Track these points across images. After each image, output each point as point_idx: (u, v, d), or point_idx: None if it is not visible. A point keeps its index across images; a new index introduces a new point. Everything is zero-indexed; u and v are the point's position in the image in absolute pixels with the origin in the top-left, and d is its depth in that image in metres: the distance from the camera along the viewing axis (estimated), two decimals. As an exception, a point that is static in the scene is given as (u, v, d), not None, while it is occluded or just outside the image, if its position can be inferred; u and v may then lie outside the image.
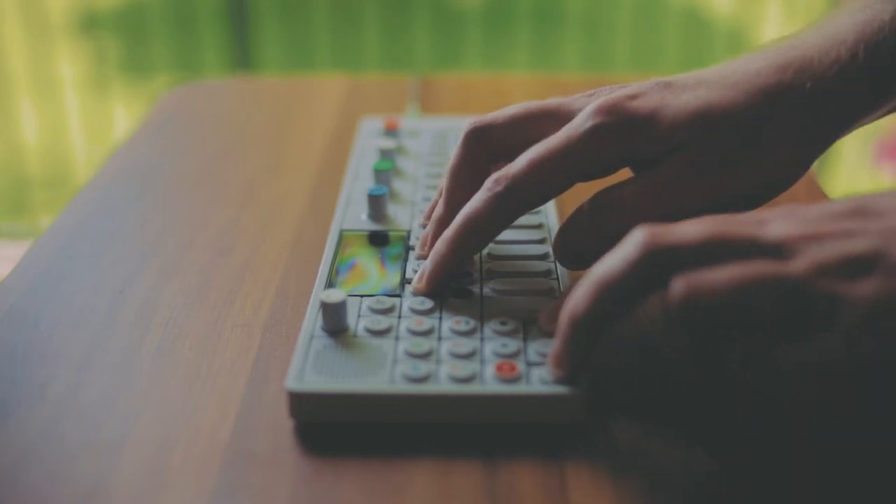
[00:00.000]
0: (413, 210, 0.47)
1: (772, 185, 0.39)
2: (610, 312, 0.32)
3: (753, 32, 2.25)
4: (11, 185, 2.05)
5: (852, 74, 0.38)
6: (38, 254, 0.47)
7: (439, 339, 0.36)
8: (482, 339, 0.36)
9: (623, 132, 0.37)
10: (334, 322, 0.37)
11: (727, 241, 0.30)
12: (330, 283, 0.40)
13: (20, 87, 2.06)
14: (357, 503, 0.31)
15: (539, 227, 0.45)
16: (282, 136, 0.63)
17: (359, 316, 0.38)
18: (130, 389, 0.37)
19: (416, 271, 0.41)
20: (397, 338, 0.37)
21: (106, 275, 0.45)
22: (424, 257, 0.41)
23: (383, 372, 0.35)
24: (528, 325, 0.37)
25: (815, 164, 0.40)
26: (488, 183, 0.38)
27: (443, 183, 0.42)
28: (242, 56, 1.96)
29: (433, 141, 0.56)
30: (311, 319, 0.38)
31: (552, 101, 0.41)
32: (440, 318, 0.38)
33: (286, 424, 0.35)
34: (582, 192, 0.40)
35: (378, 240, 0.44)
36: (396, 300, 0.39)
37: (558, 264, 0.41)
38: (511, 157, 0.39)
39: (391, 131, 0.57)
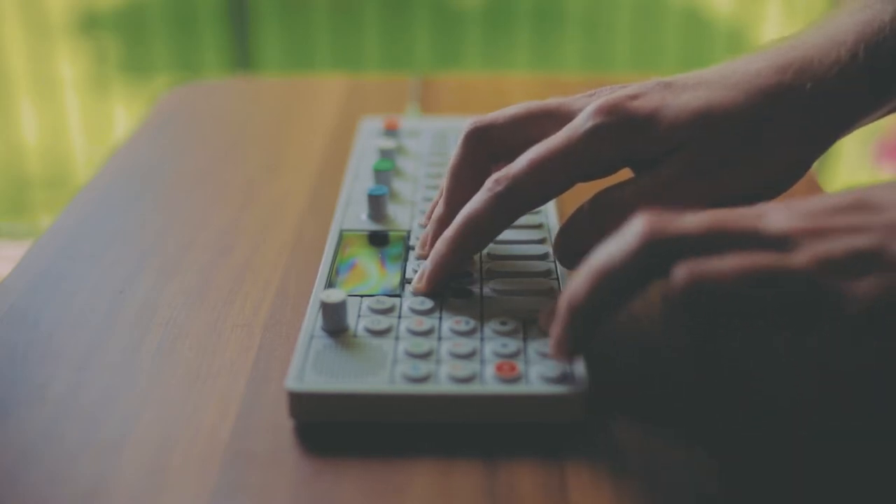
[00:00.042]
0: (413, 210, 0.47)
1: (772, 186, 0.39)
2: (608, 302, 0.32)
3: (753, 32, 2.25)
4: (11, 185, 2.05)
5: (852, 75, 0.38)
6: (38, 254, 0.47)
7: (439, 339, 0.36)
8: (482, 339, 0.36)
9: (623, 132, 0.37)
10: (334, 322, 0.37)
11: (728, 231, 0.30)
12: (330, 283, 0.40)
13: (20, 87, 2.06)
14: (357, 503, 0.31)
15: (539, 227, 0.45)
16: (282, 136, 0.63)
17: (359, 316, 0.38)
18: (130, 389, 0.37)
19: (416, 271, 0.41)
20: (397, 338, 0.37)
21: (106, 275, 0.45)
22: (424, 257, 0.41)
23: (383, 372, 0.35)
24: (528, 325, 0.37)
25: (815, 163, 0.40)
26: (489, 183, 0.38)
27: (443, 183, 0.42)
28: (242, 56, 1.96)
29: (433, 141, 0.56)
30: (311, 319, 0.38)
31: (552, 101, 0.41)
32: (440, 318, 0.38)
33: (286, 424, 0.35)
34: (582, 192, 0.40)
35: (378, 240, 0.44)
36: (396, 300, 0.39)
37: (558, 264, 0.41)
38: (511, 157, 0.39)
39: (391, 131, 0.57)
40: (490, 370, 0.35)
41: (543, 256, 0.42)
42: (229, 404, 0.36)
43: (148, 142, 0.63)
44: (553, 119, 0.40)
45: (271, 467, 0.33)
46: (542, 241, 0.43)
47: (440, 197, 0.42)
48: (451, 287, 0.40)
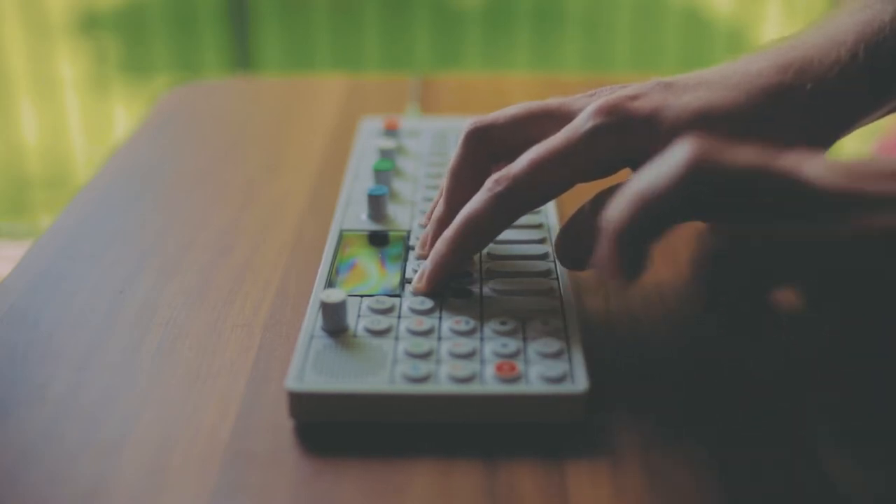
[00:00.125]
0: (413, 210, 0.47)
1: (772, 186, 0.39)
2: (649, 228, 0.31)
3: (753, 32, 2.25)
4: (11, 185, 2.05)
5: (852, 75, 0.38)
6: (38, 254, 0.47)
7: (439, 339, 0.36)
8: (482, 339, 0.36)
9: (624, 133, 0.37)
10: (334, 322, 0.37)
11: (773, 177, 0.30)
12: (330, 283, 0.40)
13: (20, 87, 2.07)
14: (357, 503, 0.31)
15: (539, 227, 0.45)
16: (282, 136, 0.63)
17: (359, 316, 0.38)
18: (130, 389, 0.37)
19: (416, 271, 0.41)
20: (397, 338, 0.37)
21: (106, 275, 0.45)
22: (424, 257, 0.41)
23: (383, 372, 0.35)
24: (528, 325, 0.37)
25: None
26: (489, 183, 0.38)
27: (443, 183, 0.42)
28: (242, 56, 1.97)
29: (433, 141, 0.56)
30: (311, 319, 0.38)
31: (553, 102, 0.41)
32: (440, 318, 0.38)
33: (286, 424, 0.35)
34: (582, 192, 0.40)
35: (378, 240, 0.44)
36: (396, 300, 0.39)
37: (558, 264, 0.41)
38: (512, 157, 0.39)
39: (391, 131, 0.57)
40: (490, 370, 0.35)
41: (543, 256, 0.42)
42: (229, 404, 0.36)
43: (148, 142, 0.63)
44: (553, 119, 0.40)
45: (271, 467, 0.33)
46: (542, 241, 0.43)
47: (440, 197, 0.42)
48: (451, 287, 0.40)
